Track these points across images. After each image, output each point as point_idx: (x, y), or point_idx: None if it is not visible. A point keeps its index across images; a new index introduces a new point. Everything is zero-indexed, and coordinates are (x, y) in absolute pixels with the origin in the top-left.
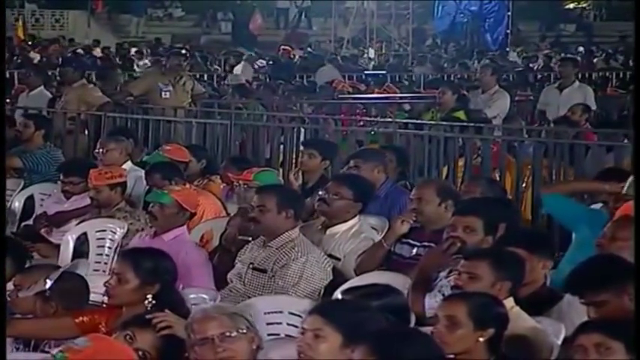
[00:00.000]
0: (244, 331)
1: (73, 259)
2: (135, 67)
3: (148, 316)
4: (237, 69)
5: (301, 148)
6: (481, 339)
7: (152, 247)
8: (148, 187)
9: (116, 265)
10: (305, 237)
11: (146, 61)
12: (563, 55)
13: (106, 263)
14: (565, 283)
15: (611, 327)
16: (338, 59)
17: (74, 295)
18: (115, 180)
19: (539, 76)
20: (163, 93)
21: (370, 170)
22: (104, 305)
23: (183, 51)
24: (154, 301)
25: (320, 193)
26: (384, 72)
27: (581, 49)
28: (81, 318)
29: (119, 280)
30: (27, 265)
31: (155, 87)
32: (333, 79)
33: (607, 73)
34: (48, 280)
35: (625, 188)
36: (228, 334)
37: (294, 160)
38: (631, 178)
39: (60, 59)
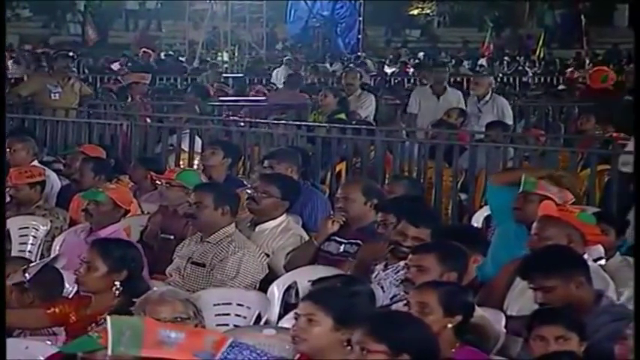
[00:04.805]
0: (192, 317)
1: None
2: None
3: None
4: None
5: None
6: (449, 325)
7: (120, 237)
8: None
9: (86, 253)
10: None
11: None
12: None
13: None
14: (517, 270)
15: (569, 319)
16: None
17: (51, 287)
18: (34, 179)
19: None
20: (53, 94)
21: (284, 170)
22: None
23: (71, 53)
24: (121, 288)
25: (249, 191)
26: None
27: (421, 54)
28: (52, 309)
29: (88, 268)
30: None
31: (44, 88)
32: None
33: (458, 78)
34: (27, 274)
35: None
36: (179, 319)
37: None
38: (524, 176)
39: None
